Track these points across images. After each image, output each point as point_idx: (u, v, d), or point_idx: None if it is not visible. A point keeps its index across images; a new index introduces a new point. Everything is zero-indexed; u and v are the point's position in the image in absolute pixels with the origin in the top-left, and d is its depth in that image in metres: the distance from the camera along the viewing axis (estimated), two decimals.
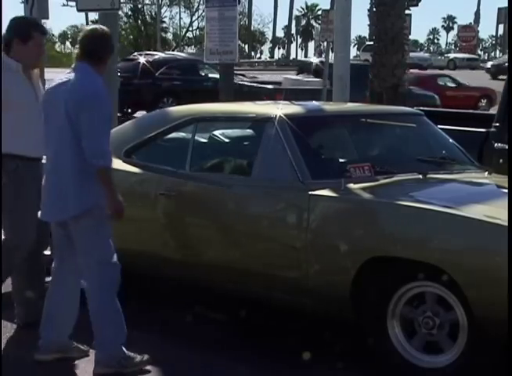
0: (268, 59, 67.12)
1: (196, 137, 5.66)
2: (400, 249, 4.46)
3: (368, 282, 4.58)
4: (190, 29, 70.84)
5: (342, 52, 8.47)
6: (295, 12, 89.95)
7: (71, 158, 4.55)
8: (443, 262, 4.28)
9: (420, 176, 5.19)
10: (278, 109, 5.37)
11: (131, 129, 6.24)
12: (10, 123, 5.01)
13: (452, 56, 56.25)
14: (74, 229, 4.65)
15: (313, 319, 5.14)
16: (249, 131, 5.65)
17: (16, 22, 5.28)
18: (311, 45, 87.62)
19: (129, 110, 21.33)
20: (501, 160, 6.97)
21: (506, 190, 4.85)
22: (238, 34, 10.28)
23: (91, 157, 4.45)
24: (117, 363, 4.61)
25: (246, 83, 20.26)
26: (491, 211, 4.37)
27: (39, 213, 4.84)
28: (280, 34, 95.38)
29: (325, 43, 20.58)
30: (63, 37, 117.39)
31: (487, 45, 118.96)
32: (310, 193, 4.84)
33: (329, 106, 6.53)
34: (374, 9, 13.16)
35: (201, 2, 62.55)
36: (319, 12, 56.73)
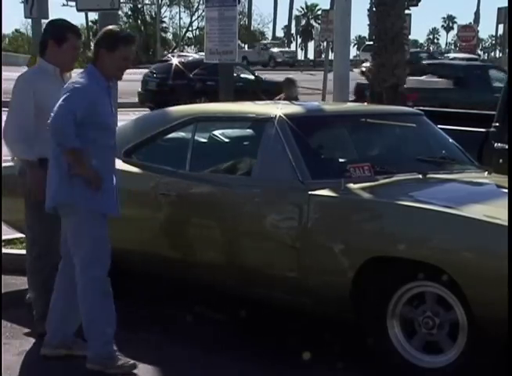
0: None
1: (196, 137, 5.66)
2: (400, 249, 4.46)
3: (368, 282, 4.58)
4: (190, 29, 70.97)
5: (342, 52, 8.47)
6: (295, 12, 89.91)
7: (52, 151, 4.68)
8: (443, 261, 4.28)
9: (420, 176, 5.19)
10: (278, 109, 5.37)
11: (131, 129, 6.24)
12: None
13: (452, 55, 56.20)
14: (64, 224, 4.76)
15: (313, 319, 5.14)
16: (249, 131, 5.65)
17: (51, 24, 5.24)
18: (311, 45, 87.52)
19: None
20: (501, 160, 6.97)
21: (506, 190, 4.85)
22: (238, 34, 10.26)
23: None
24: (100, 361, 4.65)
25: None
26: (491, 211, 4.37)
27: None
28: (280, 34, 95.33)
29: (325, 43, 20.59)
30: None
31: (487, 44, 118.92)
32: (310, 193, 4.84)
33: (329, 106, 6.54)
34: (374, 9, 13.13)
35: (201, 2, 62.64)
36: (319, 12, 56.75)
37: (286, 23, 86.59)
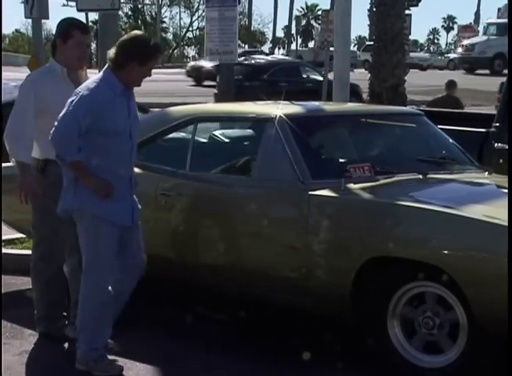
0: None
1: (196, 137, 5.67)
2: (400, 249, 4.46)
3: (368, 282, 4.58)
4: (190, 29, 71.00)
5: (342, 52, 8.46)
6: (295, 12, 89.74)
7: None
8: (443, 262, 4.28)
9: (420, 176, 5.19)
10: (278, 109, 5.37)
11: None
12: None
13: (452, 56, 56.21)
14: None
15: (313, 319, 5.14)
16: (249, 131, 5.66)
17: (58, 23, 5.16)
18: (311, 45, 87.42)
19: None
20: (501, 160, 6.97)
21: (506, 190, 4.85)
22: (238, 34, 10.28)
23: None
24: (87, 363, 4.67)
25: None
26: (491, 211, 4.37)
27: None
28: (280, 34, 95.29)
29: (325, 43, 20.62)
30: None
31: None
32: (310, 193, 4.84)
33: (329, 106, 6.54)
34: (374, 9, 13.14)
35: (201, 2, 62.68)
36: (319, 12, 56.78)
37: (286, 23, 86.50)
